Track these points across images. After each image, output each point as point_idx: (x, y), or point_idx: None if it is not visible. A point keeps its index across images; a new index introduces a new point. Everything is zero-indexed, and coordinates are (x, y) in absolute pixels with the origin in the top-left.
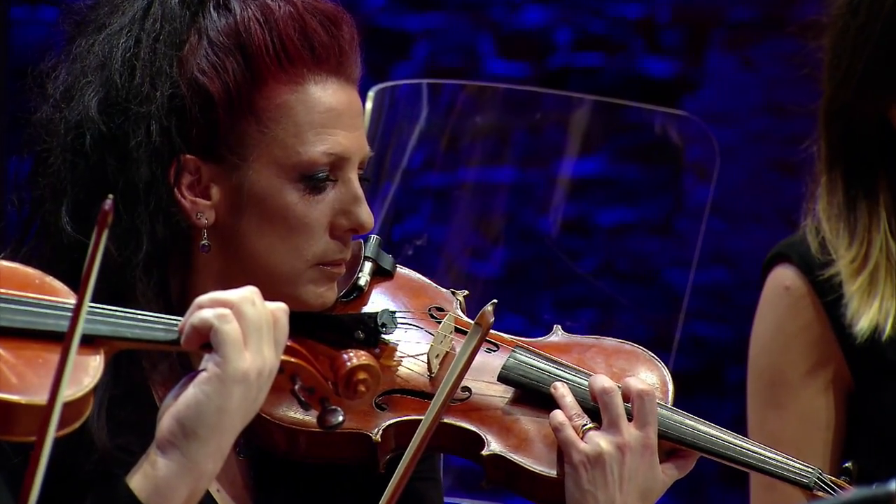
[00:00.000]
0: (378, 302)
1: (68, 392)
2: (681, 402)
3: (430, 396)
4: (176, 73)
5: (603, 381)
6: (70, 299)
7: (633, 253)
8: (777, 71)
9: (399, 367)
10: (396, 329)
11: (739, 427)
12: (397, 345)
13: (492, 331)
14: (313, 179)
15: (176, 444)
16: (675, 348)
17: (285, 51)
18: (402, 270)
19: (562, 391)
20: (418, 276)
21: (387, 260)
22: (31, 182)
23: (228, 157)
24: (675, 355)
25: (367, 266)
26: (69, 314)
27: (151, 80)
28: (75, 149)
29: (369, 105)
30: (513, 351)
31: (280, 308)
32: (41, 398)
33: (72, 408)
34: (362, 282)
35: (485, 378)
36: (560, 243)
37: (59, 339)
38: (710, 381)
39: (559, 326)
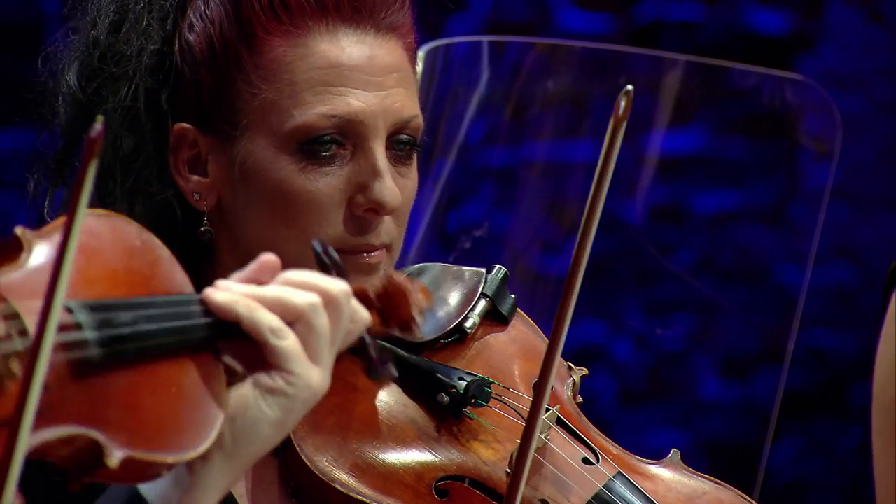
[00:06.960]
0: (479, 358)
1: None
2: (796, 426)
3: (501, 499)
4: (169, 28)
5: None
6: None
7: (737, 246)
8: None
9: (475, 452)
10: (486, 405)
11: (866, 458)
12: (481, 425)
13: (598, 436)
14: (314, 144)
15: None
16: (787, 361)
17: None
18: (519, 319)
19: None
20: (536, 331)
21: (507, 303)
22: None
23: (222, 126)
24: (788, 370)
25: (481, 305)
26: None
27: (138, 37)
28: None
29: (419, 67)
30: (611, 479)
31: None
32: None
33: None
34: (469, 324)
35: (571, 497)
36: (649, 234)
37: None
38: (831, 402)
39: (677, 452)
